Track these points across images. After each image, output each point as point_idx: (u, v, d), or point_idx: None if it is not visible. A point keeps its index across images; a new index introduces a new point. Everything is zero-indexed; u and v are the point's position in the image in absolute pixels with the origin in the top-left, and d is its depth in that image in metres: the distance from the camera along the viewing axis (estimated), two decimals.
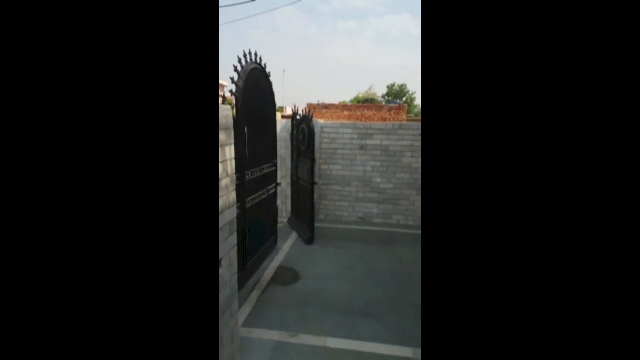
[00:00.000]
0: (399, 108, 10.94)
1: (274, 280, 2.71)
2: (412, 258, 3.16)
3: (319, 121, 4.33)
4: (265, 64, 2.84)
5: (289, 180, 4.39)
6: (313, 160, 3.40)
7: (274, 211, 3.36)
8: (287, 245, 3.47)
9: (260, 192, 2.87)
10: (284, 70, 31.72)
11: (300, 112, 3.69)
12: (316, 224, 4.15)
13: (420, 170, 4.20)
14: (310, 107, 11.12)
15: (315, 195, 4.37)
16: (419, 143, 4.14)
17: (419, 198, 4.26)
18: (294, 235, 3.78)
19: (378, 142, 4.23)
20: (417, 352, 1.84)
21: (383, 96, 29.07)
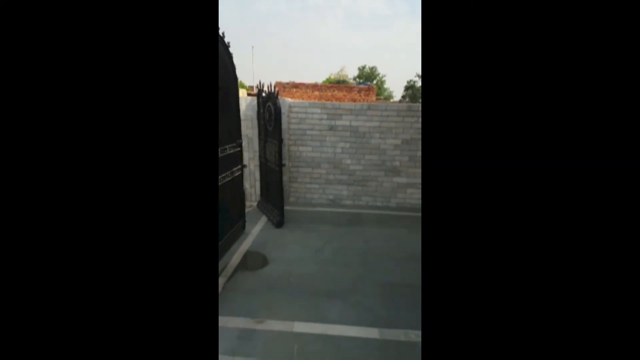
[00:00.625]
0: (369, 90, 10.93)
1: (241, 265, 2.62)
2: (378, 238, 3.23)
3: (286, 100, 4.15)
4: (224, 33, 2.59)
5: (257, 162, 4.21)
6: (281, 141, 3.25)
7: (240, 195, 3.21)
8: (257, 229, 3.37)
9: (223, 175, 2.70)
10: (252, 47, 30.01)
11: (265, 89, 3.47)
12: (287, 207, 4.07)
13: (387, 152, 4.24)
14: (280, 86, 10.72)
15: (285, 178, 4.27)
16: (387, 124, 4.15)
17: (387, 179, 4.33)
18: (263, 219, 3.68)
19: (347, 122, 4.17)
20: (384, 333, 1.88)
21: (354, 78, 28.95)
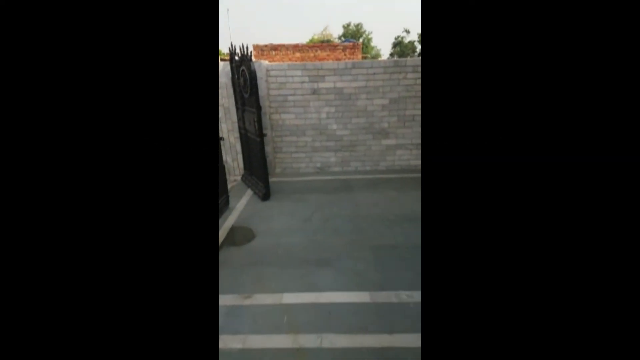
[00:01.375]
0: (354, 47, 10.24)
1: (227, 241, 2.55)
2: (368, 202, 3.17)
3: (263, 63, 3.82)
4: None
5: (237, 134, 3.99)
6: (259, 108, 3.03)
7: (220, 169, 3.05)
8: (242, 203, 3.27)
9: None
10: (227, 10, 27.72)
11: (238, 51, 3.15)
12: (273, 179, 3.95)
13: (375, 113, 4.04)
14: (258, 49, 9.97)
15: (269, 148, 4.08)
16: (374, 83, 3.91)
17: (375, 142, 4.18)
18: (249, 192, 3.57)
19: (331, 84, 3.90)
20: (375, 296, 1.87)
21: (339, 37, 27.32)
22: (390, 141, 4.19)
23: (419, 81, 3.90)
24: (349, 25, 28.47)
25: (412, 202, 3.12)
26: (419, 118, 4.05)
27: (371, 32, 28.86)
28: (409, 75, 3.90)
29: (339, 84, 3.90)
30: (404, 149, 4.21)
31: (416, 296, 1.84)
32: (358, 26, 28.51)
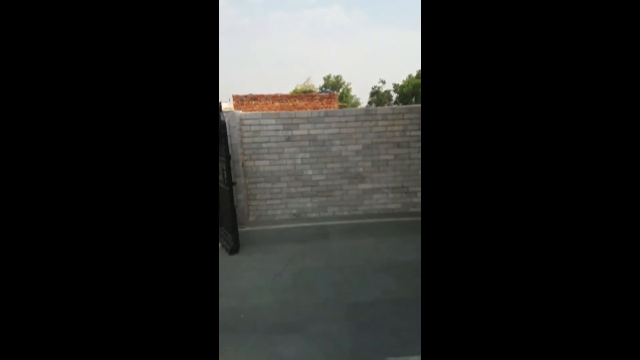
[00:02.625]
0: (331, 97, 10.90)
1: None
2: (344, 251, 3.00)
3: (236, 112, 3.87)
4: None
5: None
6: (228, 157, 2.96)
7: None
8: None
9: None
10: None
11: None
12: (246, 228, 3.75)
13: (349, 158, 4.08)
14: (238, 99, 10.37)
15: (242, 196, 3.94)
16: (347, 130, 4.00)
17: (352, 187, 4.15)
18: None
19: (305, 132, 3.97)
20: None
21: (320, 88, 29.30)
22: (367, 185, 4.17)
23: (390, 128, 4.05)
24: (329, 77, 30.79)
25: (391, 250, 2.98)
26: (393, 162, 4.11)
27: (350, 83, 31.19)
28: (380, 123, 4.05)
29: (312, 131, 3.97)
30: (381, 192, 4.19)
31: None
32: (338, 77, 30.86)
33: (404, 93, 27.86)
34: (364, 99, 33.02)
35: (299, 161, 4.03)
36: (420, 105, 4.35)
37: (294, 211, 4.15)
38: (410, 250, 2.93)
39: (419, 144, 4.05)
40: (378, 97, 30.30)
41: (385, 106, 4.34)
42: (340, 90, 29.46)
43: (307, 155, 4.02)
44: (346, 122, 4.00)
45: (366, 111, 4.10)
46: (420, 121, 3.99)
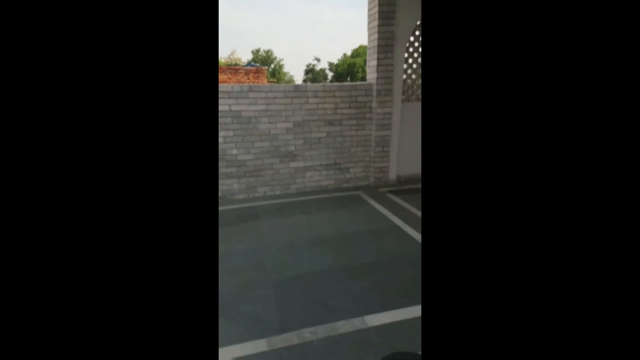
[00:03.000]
0: (258, 71, 10.19)
1: None
2: (273, 230, 2.94)
3: None
4: None
5: None
6: None
7: None
8: None
9: None
10: None
11: None
12: None
13: (280, 137, 3.94)
14: None
15: None
16: (276, 107, 3.83)
17: (283, 166, 4.06)
18: None
19: (226, 107, 3.65)
20: (273, 342, 1.59)
21: (249, 62, 27.65)
22: (299, 163, 4.12)
23: (321, 105, 4.01)
24: (258, 50, 29.17)
25: (322, 224, 3.03)
26: (325, 140, 4.12)
27: (282, 59, 30.17)
28: (311, 100, 3.97)
29: (235, 107, 3.68)
30: (314, 170, 4.20)
31: (320, 332, 1.64)
32: (268, 52, 29.46)
33: (339, 72, 28.24)
34: (298, 77, 32.47)
35: (221, 140, 3.73)
36: (351, 83, 4.39)
37: (219, 194, 3.88)
38: (341, 223, 3.02)
39: (351, 122, 4.13)
40: (313, 75, 30.12)
41: (317, 84, 4.25)
42: (272, 66, 28.31)
43: (231, 133, 3.74)
44: (274, 98, 3.82)
45: (296, 87, 3.97)
46: (350, 99, 4.05)
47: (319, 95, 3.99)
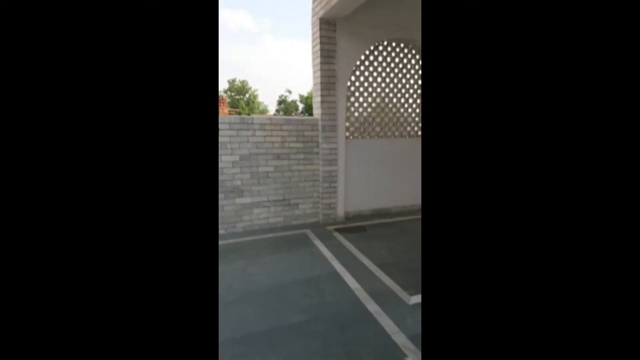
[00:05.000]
0: (220, 101, 10.13)
1: None
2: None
3: None
4: None
5: None
6: None
7: None
8: None
9: None
10: None
11: None
12: None
13: (225, 170, 3.70)
14: None
15: None
16: (221, 138, 3.62)
17: (228, 202, 3.78)
18: None
19: None
20: None
21: (225, 91, 27.74)
22: (246, 199, 3.87)
23: (268, 139, 3.87)
24: (234, 80, 29.47)
25: (259, 273, 2.75)
26: (273, 174, 3.95)
27: (257, 90, 30.65)
28: (258, 133, 3.83)
29: None
30: (262, 206, 3.96)
31: None
32: (244, 82, 29.87)
33: (309, 104, 29.06)
34: (272, 107, 32.98)
35: None
36: (297, 117, 4.34)
37: None
38: (279, 270, 2.76)
39: (299, 156, 4.01)
40: (285, 105, 30.72)
41: (262, 115, 4.18)
42: (247, 95, 28.58)
43: None
44: (220, 130, 3.62)
45: (242, 119, 3.81)
46: (297, 133, 3.96)
47: (266, 128, 3.86)
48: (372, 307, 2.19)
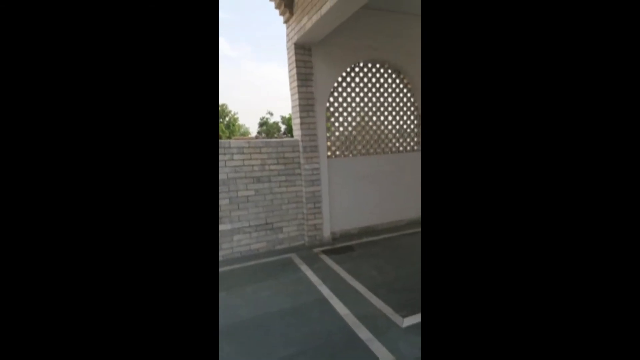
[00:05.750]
0: None
1: None
2: None
3: None
4: None
5: None
6: None
7: None
8: None
9: None
10: None
11: None
12: None
13: None
14: None
15: None
16: None
17: None
18: None
19: None
20: None
21: None
22: (225, 226, 3.70)
23: (247, 162, 3.78)
24: None
25: (241, 304, 2.55)
26: (254, 198, 3.82)
27: (237, 113, 30.79)
28: (236, 157, 3.73)
29: None
30: (242, 232, 3.79)
31: None
32: (223, 106, 29.92)
33: (291, 125, 29.42)
34: (253, 129, 33.08)
35: None
36: (277, 139, 4.31)
37: None
38: (263, 300, 2.58)
39: (280, 178, 3.93)
40: (267, 127, 30.93)
41: (240, 138, 4.11)
42: (227, 119, 28.59)
43: None
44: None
45: (219, 144, 3.73)
46: (277, 155, 3.90)
47: (245, 151, 3.78)
48: (363, 333, 2.06)
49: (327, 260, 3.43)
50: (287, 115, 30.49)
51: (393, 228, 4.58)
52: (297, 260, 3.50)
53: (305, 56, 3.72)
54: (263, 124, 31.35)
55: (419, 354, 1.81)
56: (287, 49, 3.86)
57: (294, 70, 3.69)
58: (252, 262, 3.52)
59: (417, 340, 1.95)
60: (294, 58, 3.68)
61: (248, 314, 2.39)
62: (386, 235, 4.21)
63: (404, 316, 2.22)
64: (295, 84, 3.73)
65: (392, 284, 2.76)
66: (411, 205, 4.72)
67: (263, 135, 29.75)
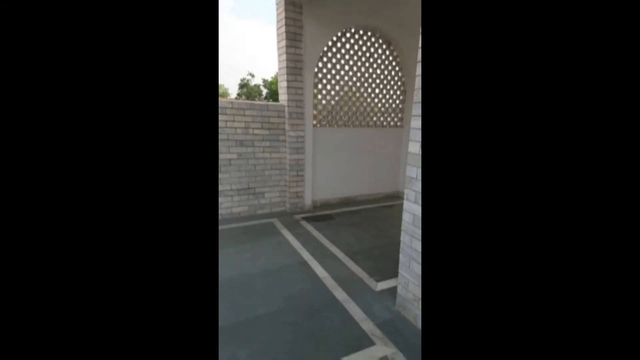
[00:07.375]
0: None
1: None
2: None
3: None
4: None
5: None
6: None
7: None
8: None
9: None
10: None
11: None
12: None
13: None
14: None
15: None
16: None
17: None
18: None
19: None
20: None
21: None
22: None
23: (230, 124, 3.64)
24: None
25: (225, 264, 2.61)
26: (237, 162, 3.75)
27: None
28: (219, 117, 3.57)
29: None
30: (224, 195, 3.76)
31: None
32: None
33: (273, 90, 28.16)
34: (233, 90, 31.33)
35: None
36: (262, 102, 4.14)
37: None
38: (246, 261, 2.66)
39: (264, 143, 3.85)
40: (248, 89, 29.42)
41: (222, 99, 3.88)
42: None
43: None
44: None
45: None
46: (262, 120, 3.78)
47: (227, 112, 3.62)
48: (340, 294, 2.22)
49: (308, 226, 3.54)
50: (270, 79, 29.01)
51: (372, 200, 4.75)
52: (279, 225, 3.57)
53: (296, 14, 3.48)
54: (244, 85, 29.73)
55: (390, 316, 1.99)
56: (277, 3, 3.58)
57: (283, 28, 3.46)
58: (234, 225, 3.55)
59: (389, 303, 2.13)
60: (283, 15, 3.43)
61: (230, 273, 2.47)
62: (365, 207, 4.37)
63: (377, 280, 2.40)
64: (283, 43, 3.52)
65: (368, 251, 2.93)
66: (390, 180, 4.88)
67: (243, 97, 28.34)
